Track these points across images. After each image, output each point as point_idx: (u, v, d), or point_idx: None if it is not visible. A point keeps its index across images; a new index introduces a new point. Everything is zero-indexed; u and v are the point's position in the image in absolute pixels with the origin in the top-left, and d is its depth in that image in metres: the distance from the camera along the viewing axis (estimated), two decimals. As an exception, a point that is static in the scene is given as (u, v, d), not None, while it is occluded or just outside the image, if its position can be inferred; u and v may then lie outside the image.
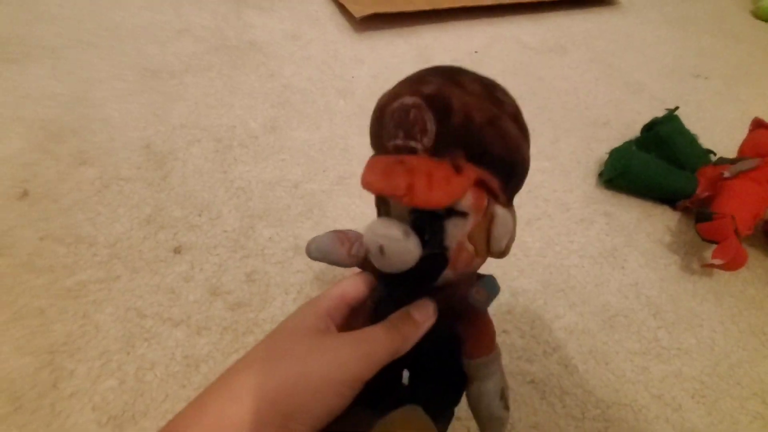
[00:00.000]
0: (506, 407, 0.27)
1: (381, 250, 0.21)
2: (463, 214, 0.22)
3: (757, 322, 0.47)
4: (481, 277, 0.25)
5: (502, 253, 0.24)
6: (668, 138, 0.61)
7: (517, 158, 0.22)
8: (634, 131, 0.70)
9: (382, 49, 0.82)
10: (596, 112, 0.74)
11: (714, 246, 0.49)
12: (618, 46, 0.93)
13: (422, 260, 0.21)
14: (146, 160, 0.58)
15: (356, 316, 0.26)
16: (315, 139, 0.63)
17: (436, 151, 0.20)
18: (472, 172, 0.21)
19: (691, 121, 0.63)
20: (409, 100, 0.20)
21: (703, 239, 0.50)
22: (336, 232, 0.30)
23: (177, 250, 0.49)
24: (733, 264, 0.47)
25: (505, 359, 0.43)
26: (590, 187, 0.62)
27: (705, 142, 0.63)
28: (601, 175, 0.62)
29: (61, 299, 0.45)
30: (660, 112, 0.67)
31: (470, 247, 0.22)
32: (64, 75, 0.70)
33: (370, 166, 0.21)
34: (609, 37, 0.96)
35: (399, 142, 0.21)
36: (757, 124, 0.58)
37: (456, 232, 0.22)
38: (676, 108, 0.65)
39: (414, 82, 0.21)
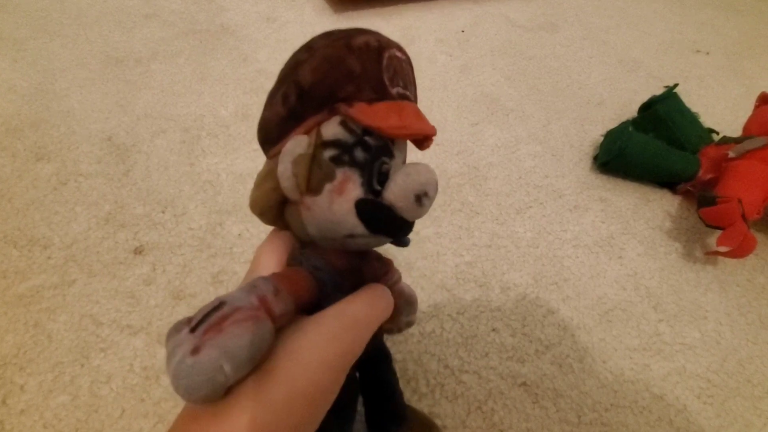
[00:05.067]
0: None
1: (426, 196, 0.20)
2: None
3: None
4: None
5: None
6: (667, 117, 0.57)
7: None
8: (630, 111, 0.66)
9: (363, 30, 0.78)
10: (590, 92, 0.70)
11: (719, 232, 0.46)
12: (612, 22, 0.88)
13: None
14: (107, 153, 0.54)
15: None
16: (290, 127, 0.59)
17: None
18: None
19: (691, 99, 0.60)
20: (399, 54, 0.21)
21: (707, 225, 0.47)
22: (224, 317, 0.17)
23: (138, 251, 0.45)
24: (740, 251, 0.43)
25: (495, 360, 0.39)
26: (584, 171, 0.58)
27: (707, 120, 0.59)
28: (595, 158, 0.58)
29: (12, 307, 0.41)
30: (658, 90, 0.63)
31: None
32: (26, 67, 0.66)
33: (391, 110, 0.20)
34: (602, 12, 0.91)
35: (401, 90, 0.21)
36: (764, 100, 0.55)
37: None
38: (676, 85, 0.61)
39: (392, 41, 0.22)
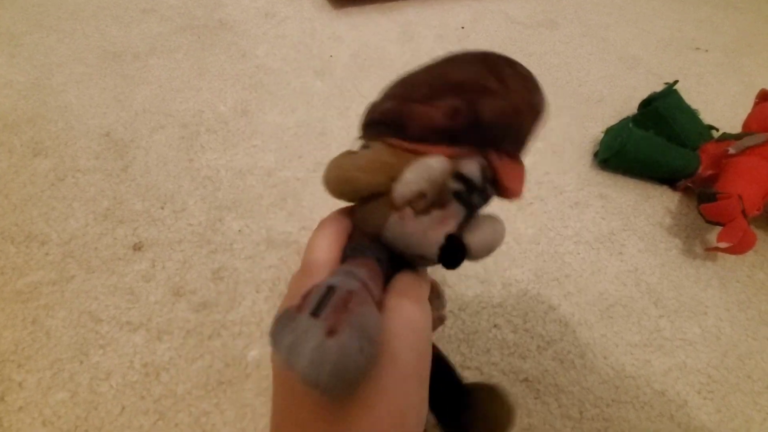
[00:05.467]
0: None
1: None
2: None
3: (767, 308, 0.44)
4: None
5: None
6: (667, 114, 0.57)
7: None
8: (630, 108, 0.66)
9: (362, 26, 0.77)
10: (590, 89, 0.70)
11: (718, 228, 0.46)
12: (611, 19, 0.88)
13: None
14: (105, 149, 0.53)
15: None
16: (290, 122, 0.58)
17: None
18: None
19: (690, 96, 0.59)
20: (543, 116, 0.22)
21: (707, 221, 0.47)
22: (362, 287, 0.18)
23: (137, 247, 0.44)
24: (740, 247, 0.43)
25: (497, 356, 0.39)
26: (585, 168, 0.58)
27: (706, 117, 0.59)
28: (596, 155, 0.58)
29: (10, 303, 0.41)
30: (657, 87, 0.63)
31: None
32: (22, 62, 0.66)
33: (519, 173, 0.22)
34: (601, 9, 0.91)
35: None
36: (763, 97, 0.55)
37: None
38: (676, 82, 0.61)
39: (542, 93, 0.22)
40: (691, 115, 0.58)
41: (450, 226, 0.20)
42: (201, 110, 0.59)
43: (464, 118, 0.19)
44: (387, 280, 0.21)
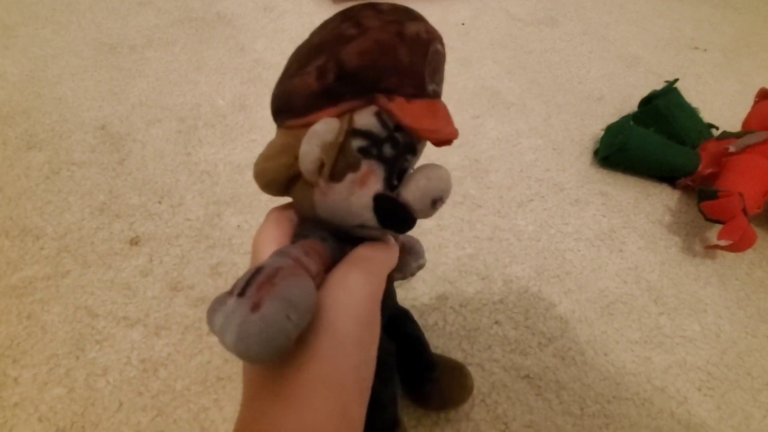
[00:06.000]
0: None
1: (441, 200, 0.20)
2: None
3: (767, 306, 0.44)
4: None
5: None
6: (667, 112, 0.57)
7: None
8: (630, 106, 0.66)
9: (362, 21, 0.76)
10: (590, 87, 0.70)
11: (718, 226, 0.46)
12: (611, 18, 0.88)
13: None
14: (101, 142, 0.53)
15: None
16: (289, 117, 0.58)
17: None
18: None
19: (690, 95, 0.60)
20: (440, 47, 0.20)
21: (708, 219, 0.47)
22: (293, 263, 0.18)
23: (134, 242, 0.44)
24: (740, 245, 0.43)
25: (498, 352, 0.39)
26: (585, 165, 0.58)
27: (705, 116, 0.59)
28: (596, 152, 0.58)
29: (5, 298, 0.40)
30: (656, 86, 0.63)
31: None
32: (17, 53, 0.65)
33: (428, 110, 0.20)
34: (602, 8, 0.91)
35: (436, 87, 0.21)
36: (763, 95, 0.55)
37: None
38: (676, 80, 0.61)
39: (430, 27, 0.20)
40: (691, 113, 0.58)
41: (374, 186, 0.19)
42: (198, 104, 0.58)
43: (333, 73, 0.18)
44: (342, 256, 0.21)
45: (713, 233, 0.49)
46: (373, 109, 0.19)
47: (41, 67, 0.62)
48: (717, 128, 0.58)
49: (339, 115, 0.19)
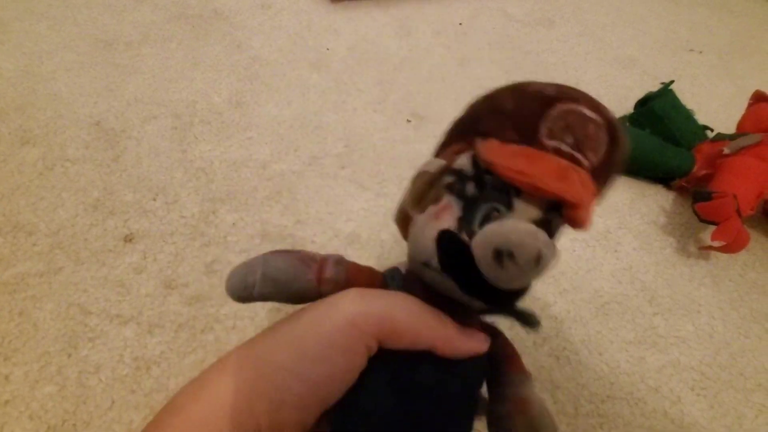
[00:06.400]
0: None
1: (511, 257, 0.16)
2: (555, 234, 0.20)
3: (759, 307, 0.45)
4: None
5: None
6: (663, 113, 0.57)
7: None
8: (626, 107, 0.66)
9: (359, 19, 0.76)
10: (586, 88, 0.68)
11: (712, 228, 0.46)
12: (608, 20, 0.89)
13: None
14: (96, 138, 0.52)
15: None
16: (285, 115, 0.58)
17: (594, 173, 0.19)
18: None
19: (685, 97, 0.60)
20: (590, 113, 0.19)
21: (702, 220, 0.47)
22: (289, 251, 0.22)
23: (128, 239, 0.44)
24: (734, 246, 0.44)
25: (492, 352, 0.39)
26: (581, 166, 0.58)
27: (700, 118, 0.59)
28: (592, 153, 0.58)
29: (-4, 295, 0.39)
30: (652, 88, 0.63)
31: None
32: (11, 48, 0.64)
33: (526, 155, 0.18)
34: (598, 9, 0.91)
35: (564, 147, 0.19)
36: (758, 98, 0.55)
37: None
38: (671, 82, 0.61)
39: (589, 99, 0.20)
40: (687, 115, 0.58)
41: (447, 222, 0.18)
42: (195, 101, 0.58)
43: (451, 125, 0.21)
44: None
45: (707, 234, 0.49)
46: (471, 152, 0.20)
47: (36, 62, 0.62)
48: (712, 130, 0.58)
49: (456, 153, 0.20)
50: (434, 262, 0.19)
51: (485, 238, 0.17)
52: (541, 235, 0.17)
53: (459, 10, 0.83)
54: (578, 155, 0.19)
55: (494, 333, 0.23)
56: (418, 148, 0.56)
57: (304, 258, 0.22)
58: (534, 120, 0.19)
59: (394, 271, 0.22)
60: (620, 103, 0.68)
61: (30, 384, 0.35)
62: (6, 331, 0.38)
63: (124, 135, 0.53)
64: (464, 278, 0.18)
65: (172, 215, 0.45)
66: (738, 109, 0.58)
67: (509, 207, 0.18)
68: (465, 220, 0.18)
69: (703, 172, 0.52)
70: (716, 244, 0.44)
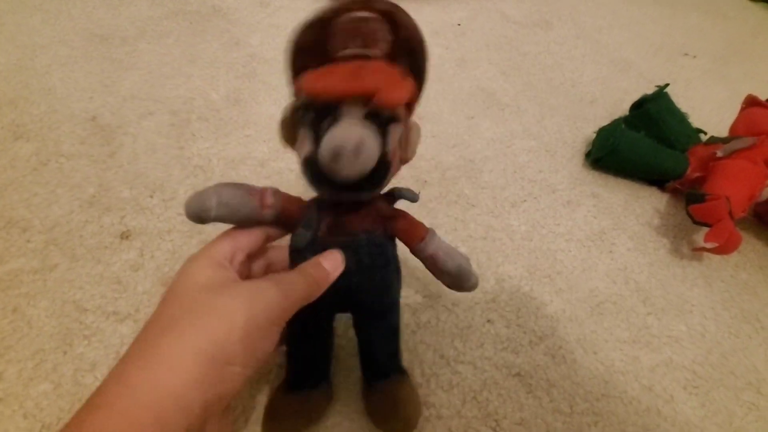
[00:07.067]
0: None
1: (356, 150, 0.21)
2: (398, 121, 0.24)
3: (750, 308, 0.45)
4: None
5: (409, 160, 0.26)
6: (658, 116, 0.58)
7: (427, 76, 0.26)
8: (622, 109, 0.67)
9: (358, 18, 0.76)
10: (583, 90, 0.71)
11: (705, 229, 0.47)
12: (605, 23, 0.90)
13: (377, 163, 0.23)
14: (91, 134, 0.52)
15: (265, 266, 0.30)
16: (284, 113, 0.58)
17: (390, 58, 0.24)
18: (410, 79, 0.24)
19: (679, 100, 0.61)
20: (363, 13, 0.23)
21: (695, 222, 0.48)
22: (236, 183, 0.27)
23: (124, 236, 0.43)
24: (726, 247, 0.44)
25: (490, 350, 0.39)
26: (577, 167, 0.58)
27: (694, 121, 0.60)
28: (588, 154, 0.59)
29: (-11, 291, 0.39)
30: (647, 91, 0.64)
31: (398, 153, 0.25)
32: (4, 42, 0.63)
33: (321, 74, 0.22)
34: (595, 12, 0.92)
35: (354, 51, 0.23)
36: (750, 102, 0.56)
37: (395, 137, 0.24)
38: (666, 85, 0.62)
39: (360, 1, 0.23)
40: (681, 118, 0.59)
41: (307, 148, 0.23)
42: (192, 98, 0.57)
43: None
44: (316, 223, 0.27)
45: (700, 236, 0.50)
46: None
47: (29, 56, 0.61)
48: (705, 133, 0.59)
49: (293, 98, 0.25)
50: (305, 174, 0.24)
51: (321, 147, 0.22)
52: (359, 129, 0.21)
53: (458, 11, 0.84)
54: (367, 51, 0.23)
55: (395, 215, 0.28)
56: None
57: (248, 189, 0.26)
58: (322, 43, 0.23)
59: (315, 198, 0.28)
60: (616, 105, 0.69)
61: (24, 382, 0.35)
62: (-1, 328, 0.37)
63: (120, 131, 0.52)
64: (327, 184, 0.23)
65: (170, 212, 0.45)
66: (731, 113, 0.59)
67: (338, 115, 0.22)
68: (316, 142, 0.23)
69: (697, 174, 0.53)
70: (709, 245, 0.45)
